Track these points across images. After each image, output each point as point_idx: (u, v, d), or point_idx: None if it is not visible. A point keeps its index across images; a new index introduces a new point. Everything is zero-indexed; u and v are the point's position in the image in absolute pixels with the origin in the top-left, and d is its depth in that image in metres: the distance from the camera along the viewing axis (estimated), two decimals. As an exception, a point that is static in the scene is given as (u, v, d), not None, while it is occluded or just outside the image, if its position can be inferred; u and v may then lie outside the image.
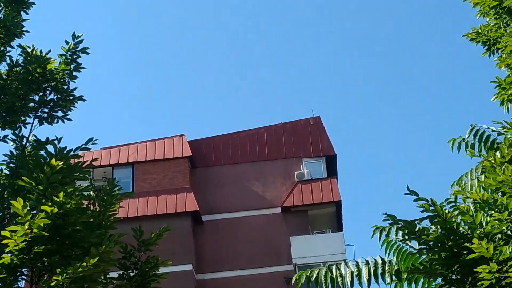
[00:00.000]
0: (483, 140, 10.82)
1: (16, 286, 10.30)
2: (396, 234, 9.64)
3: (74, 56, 13.26)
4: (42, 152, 12.31)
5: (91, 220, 10.50)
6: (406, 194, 8.45)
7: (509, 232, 8.35)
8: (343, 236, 35.02)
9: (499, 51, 11.35)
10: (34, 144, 12.77)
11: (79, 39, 13.23)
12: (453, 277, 8.38)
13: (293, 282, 11.26)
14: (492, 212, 8.45)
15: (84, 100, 13.32)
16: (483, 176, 9.98)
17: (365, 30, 71.31)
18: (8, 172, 12.31)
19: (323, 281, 9.92)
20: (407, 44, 72.06)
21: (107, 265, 9.98)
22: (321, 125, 38.75)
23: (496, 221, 8.30)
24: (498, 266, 7.84)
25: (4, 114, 12.94)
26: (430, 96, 73.14)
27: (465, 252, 8.10)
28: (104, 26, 71.71)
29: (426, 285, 9.64)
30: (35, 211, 9.94)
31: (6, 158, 12.42)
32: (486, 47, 11.99)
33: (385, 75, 70.96)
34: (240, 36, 70.99)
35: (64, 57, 13.23)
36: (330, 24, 72.34)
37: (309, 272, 10.06)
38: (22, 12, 13.94)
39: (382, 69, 72.14)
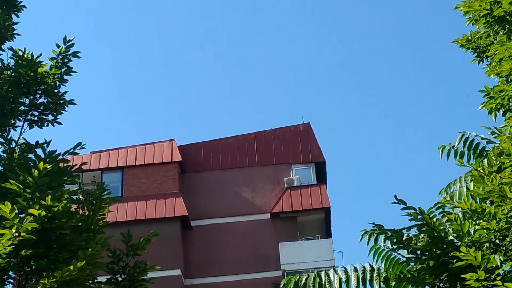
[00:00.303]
0: (472, 147, 10.81)
1: (3, 289, 10.28)
2: (384, 241, 9.63)
3: (65, 60, 13.22)
4: (31, 155, 12.26)
5: (80, 224, 10.45)
6: (394, 203, 8.45)
7: (497, 241, 8.37)
8: (332, 242, 35.08)
9: (489, 59, 11.37)
10: (23, 147, 12.72)
11: (70, 43, 13.19)
12: (441, 285, 8.39)
13: (281, 287, 11.25)
14: (480, 221, 8.47)
15: (74, 104, 13.31)
16: (472, 184, 9.99)
17: (355, 37, 71.50)
18: (-5, 175, 12.25)
19: (311, 287, 9.91)
20: (397, 51, 72.32)
21: (94, 268, 9.95)
22: (311, 132, 38.78)
23: (484, 230, 8.32)
24: (486, 274, 7.84)
25: (-6, 117, 12.90)
26: (420, 103, 73.38)
27: (453, 260, 8.11)
28: (94, 30, 71.66)
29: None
30: (23, 215, 9.89)
31: (-6, 161, 12.37)
32: (476, 54, 12.02)
33: (376, 82, 71.17)
34: (231, 43, 71.11)
35: (55, 60, 13.20)
36: (320, 31, 72.53)
37: (298, 277, 10.05)
38: (13, 15, 13.92)
39: (373, 76, 72.36)
